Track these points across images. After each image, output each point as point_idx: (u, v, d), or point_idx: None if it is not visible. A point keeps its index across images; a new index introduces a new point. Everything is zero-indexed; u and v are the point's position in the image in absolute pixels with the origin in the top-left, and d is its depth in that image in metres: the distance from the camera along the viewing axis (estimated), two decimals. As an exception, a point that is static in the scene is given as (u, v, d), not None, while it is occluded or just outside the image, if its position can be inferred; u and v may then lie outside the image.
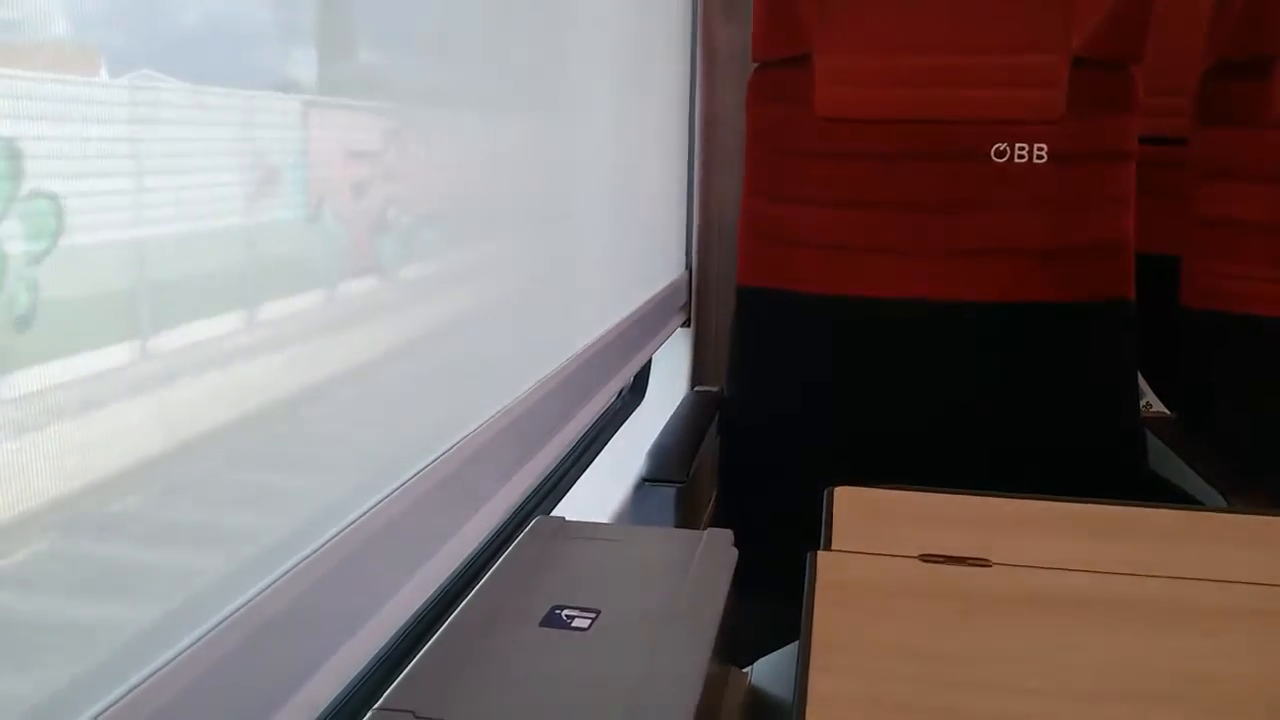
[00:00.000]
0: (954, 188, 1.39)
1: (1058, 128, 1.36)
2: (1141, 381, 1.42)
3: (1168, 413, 1.47)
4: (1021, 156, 1.37)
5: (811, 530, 0.78)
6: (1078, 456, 1.36)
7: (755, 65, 1.45)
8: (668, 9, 1.51)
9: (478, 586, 0.69)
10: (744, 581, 0.79)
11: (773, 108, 1.44)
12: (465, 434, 0.74)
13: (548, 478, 1.08)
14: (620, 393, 1.49)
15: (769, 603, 1.11)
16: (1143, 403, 1.46)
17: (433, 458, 0.69)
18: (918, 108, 1.39)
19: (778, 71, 1.44)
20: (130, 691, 0.41)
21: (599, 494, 1.27)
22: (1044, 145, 1.37)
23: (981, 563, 0.72)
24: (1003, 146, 1.38)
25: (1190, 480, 1.24)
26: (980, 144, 1.38)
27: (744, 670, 0.81)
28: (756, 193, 1.46)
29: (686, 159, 1.71)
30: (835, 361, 1.41)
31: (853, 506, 0.82)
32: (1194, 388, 1.40)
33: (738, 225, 1.47)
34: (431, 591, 0.68)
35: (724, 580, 0.71)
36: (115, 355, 0.46)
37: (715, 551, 0.75)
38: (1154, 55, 1.41)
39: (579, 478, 1.15)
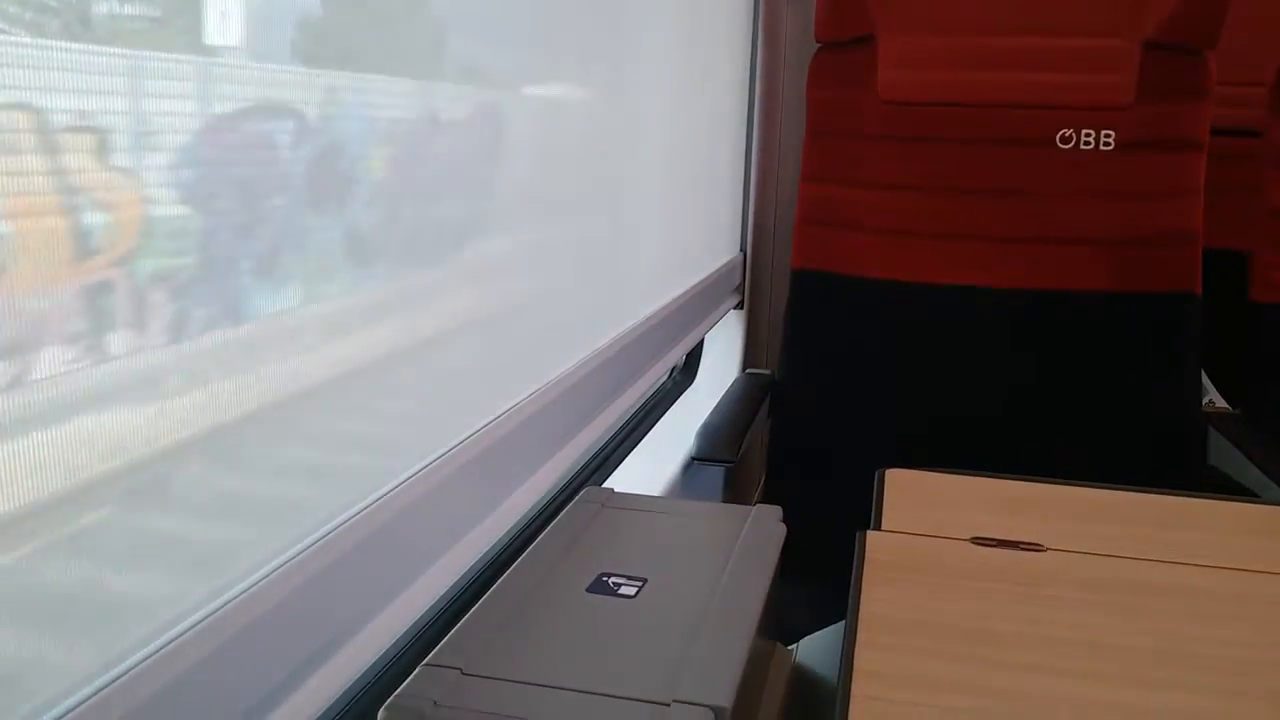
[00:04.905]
0: (1017, 174, 1.37)
1: (1126, 114, 1.33)
2: (1204, 377, 1.39)
3: (1230, 409, 1.43)
4: (1088, 143, 1.34)
5: (860, 513, 0.78)
6: (1137, 448, 1.34)
7: (817, 47, 1.44)
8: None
9: (527, 552, 0.70)
10: (792, 562, 0.78)
11: (833, 90, 1.43)
12: (518, 400, 0.75)
13: (598, 452, 1.09)
14: (672, 372, 1.49)
15: (816, 583, 1.11)
16: (1205, 399, 1.43)
17: (485, 422, 0.70)
18: (982, 92, 1.37)
19: (840, 53, 1.42)
20: (205, 619, 0.43)
21: (648, 473, 1.27)
22: (1111, 132, 1.33)
23: (1035, 547, 0.71)
24: (1068, 132, 1.35)
25: (1253, 476, 1.21)
26: (1045, 130, 1.36)
27: (790, 648, 0.81)
28: (814, 176, 1.44)
29: (744, 141, 1.70)
30: (889, 346, 1.39)
31: (903, 489, 0.81)
32: (1259, 383, 1.36)
33: (794, 208, 1.46)
34: (481, 555, 0.69)
35: (771, 554, 0.71)
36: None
37: (763, 526, 0.75)
38: (1230, 44, 1.37)
39: (628, 454, 1.16)
